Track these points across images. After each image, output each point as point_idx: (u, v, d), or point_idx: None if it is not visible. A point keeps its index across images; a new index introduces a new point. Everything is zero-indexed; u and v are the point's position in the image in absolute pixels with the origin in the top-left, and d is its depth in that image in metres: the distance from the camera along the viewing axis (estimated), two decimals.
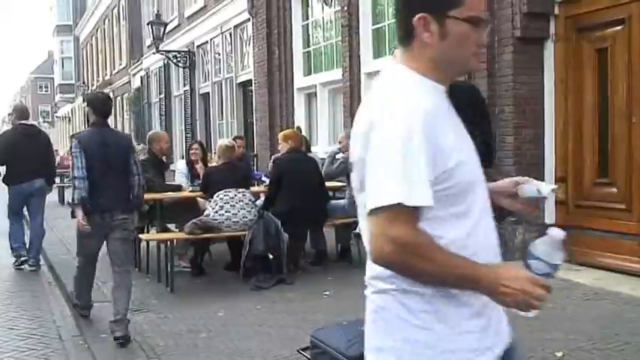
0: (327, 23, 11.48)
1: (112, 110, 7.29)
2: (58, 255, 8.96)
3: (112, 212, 5.16)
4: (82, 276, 5.62)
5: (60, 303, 6.68)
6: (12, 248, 8.38)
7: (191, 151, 8.90)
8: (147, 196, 7.35)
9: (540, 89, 6.94)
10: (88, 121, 6.77)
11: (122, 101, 27.49)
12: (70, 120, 42.79)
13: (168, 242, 6.90)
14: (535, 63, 6.91)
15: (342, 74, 10.14)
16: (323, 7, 11.56)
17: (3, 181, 8.43)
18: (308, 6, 11.93)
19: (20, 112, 8.55)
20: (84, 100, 35.08)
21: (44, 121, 54.54)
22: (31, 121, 9.18)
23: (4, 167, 8.25)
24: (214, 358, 4.58)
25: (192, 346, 4.87)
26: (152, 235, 7.54)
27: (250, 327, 5.29)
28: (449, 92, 1.75)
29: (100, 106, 5.47)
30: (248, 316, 5.64)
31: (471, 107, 3.53)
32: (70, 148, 6.11)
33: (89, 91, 33.95)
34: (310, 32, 11.94)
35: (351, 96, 9.79)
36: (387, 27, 9.51)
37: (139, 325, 5.47)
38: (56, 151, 12.41)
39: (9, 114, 9.73)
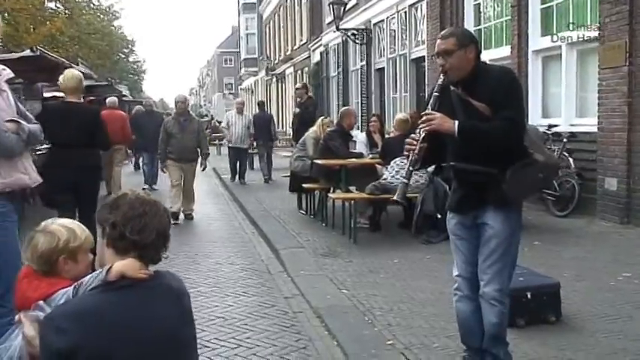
0: (497, 3, 12.07)
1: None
2: (257, 211, 10.61)
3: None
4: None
5: (264, 247, 8.17)
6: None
7: (370, 123, 10.09)
8: (334, 161, 8.71)
9: None
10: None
11: (302, 75, 29.27)
12: (252, 92, 45.67)
13: (352, 201, 8.11)
14: None
15: (511, 52, 10.75)
16: None
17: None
18: None
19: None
20: (267, 74, 37.64)
21: (229, 93, 58.33)
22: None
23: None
24: (392, 290, 5.70)
25: (374, 283, 6.03)
26: (338, 194, 8.76)
27: (421, 271, 6.36)
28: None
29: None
30: (419, 263, 6.71)
31: None
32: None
33: (272, 65, 36.31)
34: (481, 11, 12.59)
35: (519, 73, 10.34)
36: (554, 6, 9.99)
37: (330, 265, 6.74)
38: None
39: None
